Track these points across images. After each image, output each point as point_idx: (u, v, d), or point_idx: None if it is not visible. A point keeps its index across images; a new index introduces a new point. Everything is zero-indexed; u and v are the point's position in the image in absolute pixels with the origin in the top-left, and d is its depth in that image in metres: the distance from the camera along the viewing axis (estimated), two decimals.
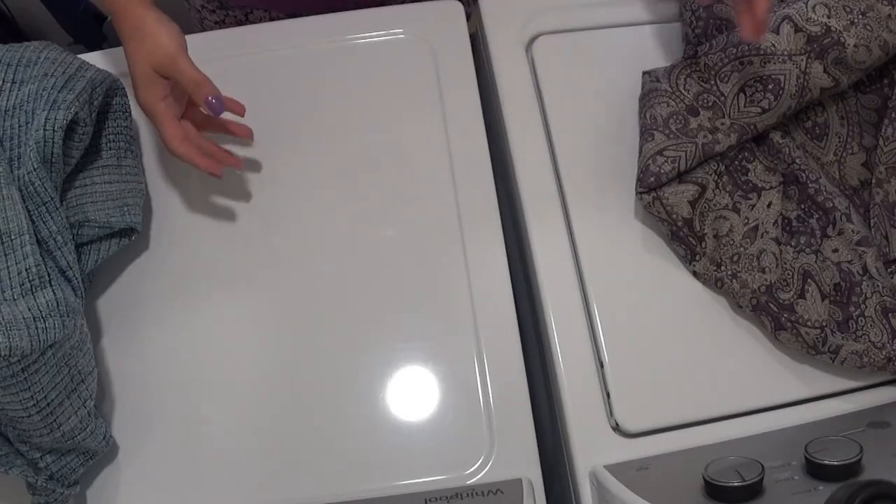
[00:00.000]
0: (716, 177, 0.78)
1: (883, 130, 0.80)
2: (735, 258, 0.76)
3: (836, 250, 0.77)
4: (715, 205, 0.78)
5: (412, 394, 0.75)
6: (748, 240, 0.78)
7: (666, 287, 0.77)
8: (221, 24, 1.01)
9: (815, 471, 0.60)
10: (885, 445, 0.63)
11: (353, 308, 0.78)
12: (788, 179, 0.80)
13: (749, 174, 0.80)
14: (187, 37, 0.84)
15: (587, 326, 0.76)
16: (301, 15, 0.91)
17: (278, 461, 0.73)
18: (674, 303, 0.77)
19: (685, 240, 0.77)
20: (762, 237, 0.78)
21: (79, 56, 0.78)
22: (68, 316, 0.67)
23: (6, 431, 0.68)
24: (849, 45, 0.77)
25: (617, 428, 0.73)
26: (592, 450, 0.72)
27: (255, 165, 0.84)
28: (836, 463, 0.60)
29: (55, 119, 0.70)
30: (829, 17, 0.78)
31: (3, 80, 0.72)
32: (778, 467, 0.62)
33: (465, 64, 0.88)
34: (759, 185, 0.80)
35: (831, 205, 0.78)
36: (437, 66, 0.88)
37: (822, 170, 0.81)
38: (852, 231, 0.77)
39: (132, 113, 0.80)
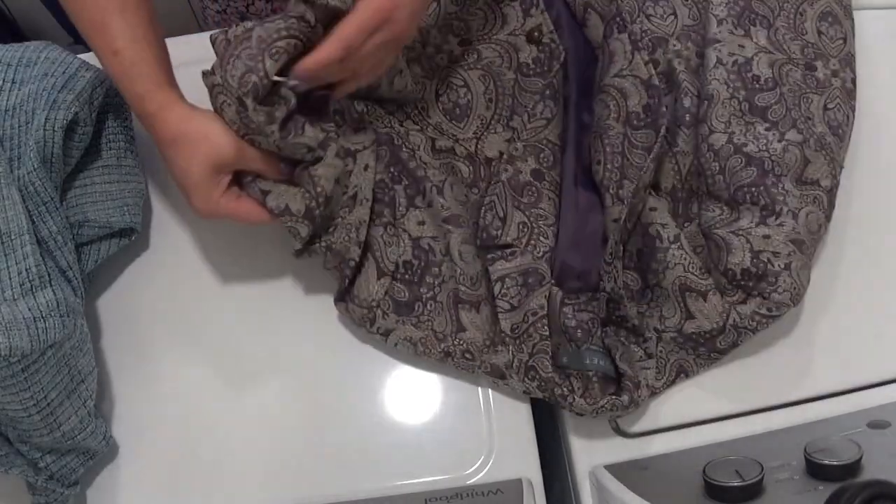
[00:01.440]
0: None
1: (531, 107, 0.79)
2: (331, 229, 0.73)
3: (422, 223, 0.75)
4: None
5: (412, 394, 0.75)
6: (346, 210, 0.73)
7: None
8: (223, 14, 1.01)
9: (815, 471, 0.61)
10: (885, 445, 0.63)
11: None
12: (382, 139, 0.77)
13: (340, 139, 0.73)
14: (187, 36, 0.84)
15: None
16: None
17: (278, 461, 0.73)
18: None
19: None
20: (361, 205, 0.73)
21: (79, 56, 0.78)
22: (68, 316, 0.67)
23: (6, 431, 0.68)
24: None
25: (617, 428, 0.73)
26: (592, 450, 0.72)
27: None
28: (836, 463, 0.60)
29: (55, 119, 0.70)
30: None
31: (4, 80, 0.72)
32: (778, 467, 0.62)
33: None
34: (351, 150, 0.74)
35: (423, 174, 0.75)
36: None
37: (433, 144, 0.78)
38: (441, 206, 0.74)
39: (132, 114, 0.80)
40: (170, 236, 0.81)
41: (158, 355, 0.77)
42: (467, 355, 0.72)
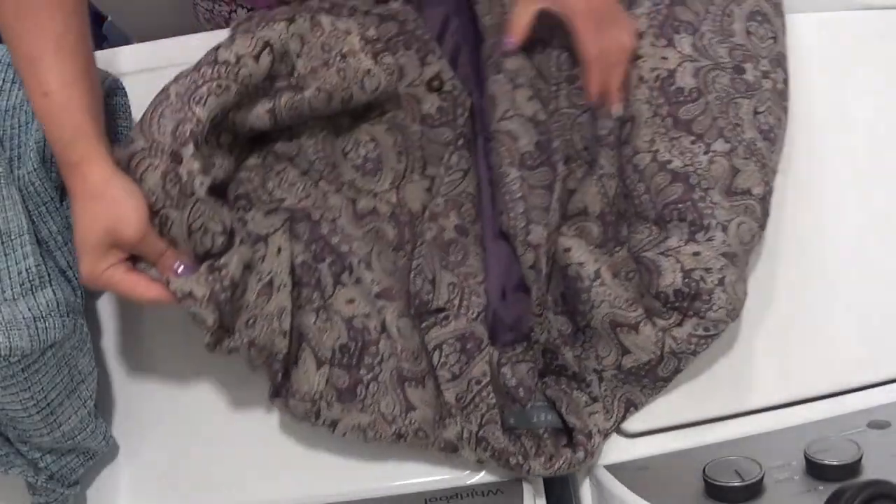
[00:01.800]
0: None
1: (446, 159, 0.76)
2: (250, 322, 0.67)
3: (351, 301, 0.70)
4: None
5: None
6: (264, 298, 0.68)
7: None
8: (210, 13, 1.00)
9: (815, 471, 0.61)
10: (885, 445, 0.63)
11: None
12: (297, 216, 0.72)
13: (248, 225, 0.71)
14: (183, 38, 0.84)
15: None
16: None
17: (278, 461, 0.73)
18: None
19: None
20: (279, 291, 0.69)
21: None
22: (68, 316, 0.67)
23: (6, 431, 0.68)
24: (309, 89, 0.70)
25: (617, 428, 0.73)
26: None
27: None
28: (836, 463, 0.60)
29: None
30: (298, 56, 0.71)
31: (4, 80, 0.72)
32: (778, 467, 0.62)
33: None
34: (262, 234, 0.70)
35: (347, 248, 0.71)
36: None
37: (354, 207, 0.74)
38: (372, 281, 0.70)
39: (132, 114, 0.80)
40: None
41: (158, 355, 0.77)
42: (420, 433, 0.69)
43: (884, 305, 0.77)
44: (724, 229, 0.69)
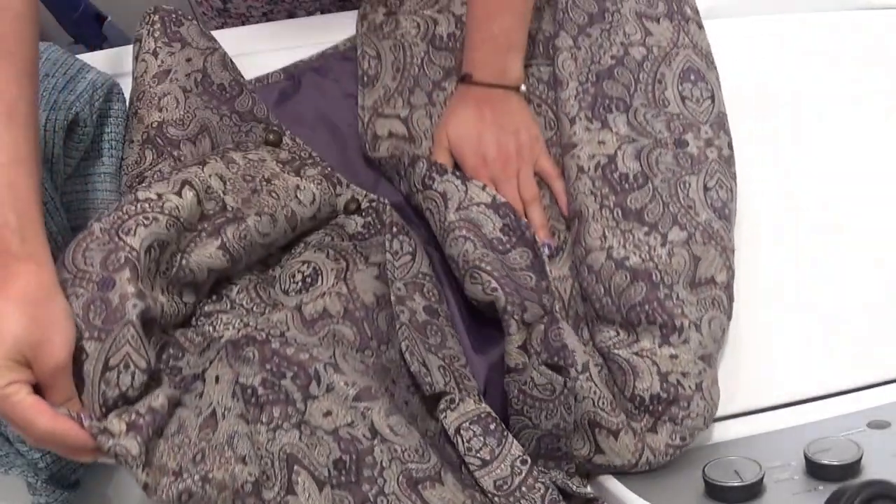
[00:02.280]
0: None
1: (388, 246, 0.71)
2: (199, 457, 0.58)
3: (329, 413, 0.60)
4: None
5: None
6: (209, 430, 0.60)
7: None
8: (202, 4, 1.01)
9: (815, 471, 0.61)
10: (885, 445, 0.63)
11: None
12: (241, 342, 0.64)
13: (183, 370, 0.64)
14: None
15: None
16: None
17: None
18: None
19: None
20: (225, 418, 0.61)
21: (79, 56, 0.78)
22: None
23: (7, 431, 0.68)
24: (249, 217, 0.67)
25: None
26: None
27: None
28: (836, 463, 0.60)
29: (56, 120, 0.70)
30: (224, 193, 0.69)
31: None
32: (778, 467, 0.62)
33: None
34: (199, 372, 0.64)
35: (307, 356, 0.62)
36: None
37: (301, 315, 0.67)
38: (346, 384, 0.61)
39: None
40: None
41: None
42: None
43: (884, 305, 0.77)
44: (698, 328, 0.68)
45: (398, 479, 0.59)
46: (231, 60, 0.81)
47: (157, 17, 0.79)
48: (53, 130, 0.70)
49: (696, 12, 0.80)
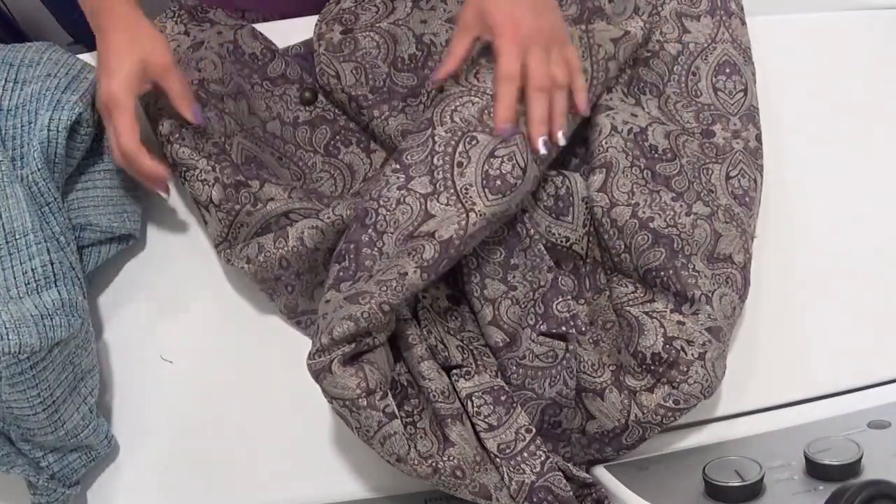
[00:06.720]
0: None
1: None
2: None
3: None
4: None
5: None
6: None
7: None
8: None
9: (815, 471, 0.61)
10: (885, 445, 0.63)
11: None
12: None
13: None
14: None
15: None
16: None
17: (279, 461, 0.73)
18: None
19: None
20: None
21: (79, 56, 0.78)
22: (73, 315, 0.67)
23: (8, 431, 0.68)
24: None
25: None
26: None
27: None
28: (836, 463, 0.60)
29: (59, 119, 0.70)
30: None
31: (6, 80, 0.72)
32: (778, 467, 0.62)
33: None
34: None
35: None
36: None
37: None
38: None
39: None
40: (169, 235, 0.81)
41: (158, 355, 0.77)
42: (458, 472, 0.64)
43: (884, 306, 0.77)
44: (709, 301, 0.68)
45: (430, 418, 0.66)
46: (261, 32, 0.83)
47: (183, 11, 0.82)
48: (57, 130, 0.70)
49: (741, 9, 0.80)
